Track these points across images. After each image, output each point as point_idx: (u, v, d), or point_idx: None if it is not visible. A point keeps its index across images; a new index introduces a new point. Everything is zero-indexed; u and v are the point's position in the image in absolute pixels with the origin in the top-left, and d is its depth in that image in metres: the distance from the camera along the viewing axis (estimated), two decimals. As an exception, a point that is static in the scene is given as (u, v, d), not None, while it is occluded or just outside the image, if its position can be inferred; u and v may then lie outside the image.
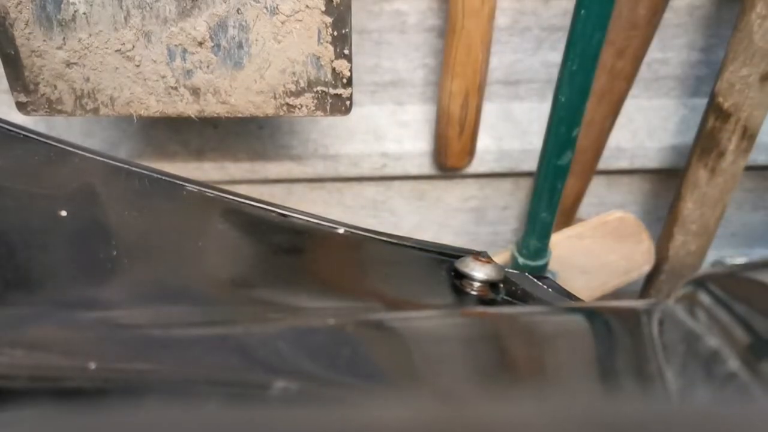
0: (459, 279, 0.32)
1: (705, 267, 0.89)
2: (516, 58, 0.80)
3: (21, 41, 0.49)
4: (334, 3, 0.49)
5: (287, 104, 0.54)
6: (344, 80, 0.52)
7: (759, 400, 0.16)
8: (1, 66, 0.51)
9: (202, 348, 0.21)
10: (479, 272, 0.31)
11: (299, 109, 0.54)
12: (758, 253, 1.02)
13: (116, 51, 0.50)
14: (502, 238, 0.97)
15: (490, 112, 0.82)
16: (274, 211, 0.34)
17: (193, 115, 0.54)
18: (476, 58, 0.70)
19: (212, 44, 0.50)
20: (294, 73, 0.52)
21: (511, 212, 0.94)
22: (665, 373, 0.19)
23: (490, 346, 0.22)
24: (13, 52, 0.50)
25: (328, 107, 0.54)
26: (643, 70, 0.77)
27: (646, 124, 0.85)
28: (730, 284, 0.20)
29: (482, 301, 0.31)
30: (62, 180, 0.31)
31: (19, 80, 0.51)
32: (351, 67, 0.52)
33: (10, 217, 0.27)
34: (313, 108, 0.54)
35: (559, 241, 0.79)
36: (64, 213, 0.28)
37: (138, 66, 0.51)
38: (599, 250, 0.82)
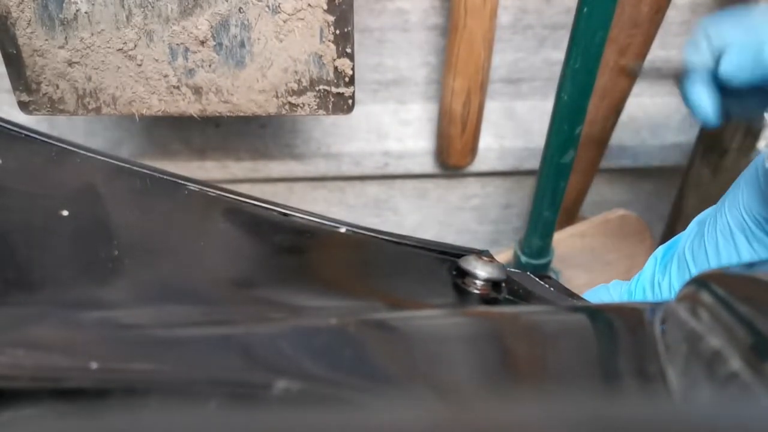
0: (461, 278, 0.32)
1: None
2: (518, 56, 0.80)
3: (23, 40, 0.49)
4: (336, 1, 0.49)
5: (289, 103, 0.53)
6: (346, 79, 0.52)
7: (761, 399, 0.16)
8: (4, 65, 0.51)
9: (204, 348, 0.21)
10: (482, 271, 0.31)
11: (301, 108, 0.54)
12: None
13: (118, 50, 0.50)
14: (505, 237, 0.97)
15: (492, 110, 0.82)
16: (275, 210, 0.34)
17: (195, 114, 0.54)
18: (478, 57, 0.70)
19: (214, 43, 0.50)
20: (296, 72, 0.52)
21: (513, 211, 0.94)
22: (667, 372, 0.19)
23: (493, 345, 0.22)
24: (15, 52, 0.50)
25: (330, 106, 0.54)
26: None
27: (648, 123, 0.85)
28: (733, 283, 0.20)
29: (484, 300, 0.31)
30: (64, 180, 0.31)
31: (21, 80, 0.51)
32: (353, 65, 0.52)
33: (12, 216, 0.27)
34: (316, 107, 0.54)
35: (562, 239, 0.79)
36: (65, 213, 0.28)
37: (140, 65, 0.51)
38: (601, 249, 0.82)
